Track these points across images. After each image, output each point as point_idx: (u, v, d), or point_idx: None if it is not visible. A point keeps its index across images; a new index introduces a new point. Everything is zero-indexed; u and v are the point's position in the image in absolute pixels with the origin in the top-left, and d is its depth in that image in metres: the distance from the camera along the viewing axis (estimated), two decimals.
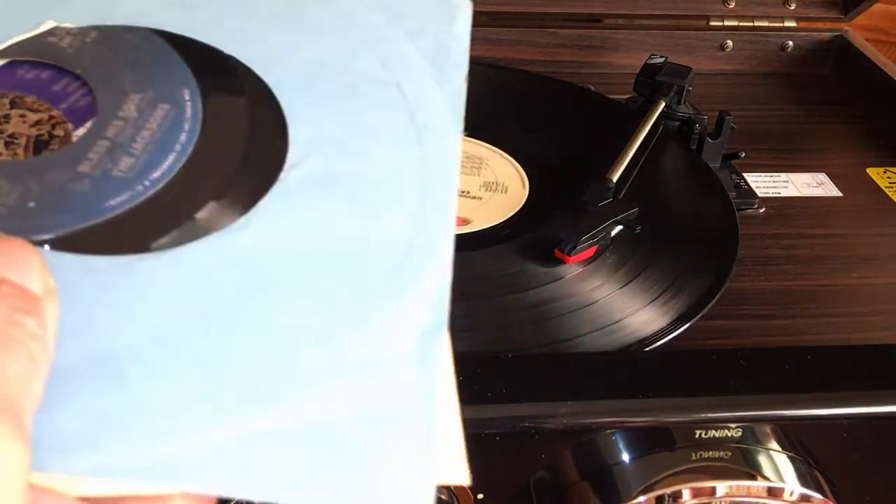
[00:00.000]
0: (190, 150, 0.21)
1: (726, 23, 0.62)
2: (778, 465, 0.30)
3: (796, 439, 0.31)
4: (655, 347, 0.34)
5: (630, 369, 0.31)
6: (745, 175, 0.49)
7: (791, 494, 0.30)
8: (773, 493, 0.30)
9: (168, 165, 0.21)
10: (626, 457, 0.30)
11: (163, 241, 0.19)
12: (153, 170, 0.21)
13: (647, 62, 0.50)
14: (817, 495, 0.30)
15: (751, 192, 0.47)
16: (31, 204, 0.20)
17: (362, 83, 0.23)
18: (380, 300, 0.19)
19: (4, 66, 0.23)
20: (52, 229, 0.19)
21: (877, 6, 0.61)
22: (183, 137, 0.22)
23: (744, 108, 0.55)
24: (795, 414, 0.30)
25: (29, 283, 0.16)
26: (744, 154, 0.48)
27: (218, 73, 0.23)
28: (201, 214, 0.20)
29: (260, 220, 0.20)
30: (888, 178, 0.50)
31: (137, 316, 0.18)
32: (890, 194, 0.49)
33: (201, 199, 0.20)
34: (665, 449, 0.31)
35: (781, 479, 0.30)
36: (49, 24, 0.23)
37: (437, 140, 0.22)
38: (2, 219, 0.20)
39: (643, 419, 0.30)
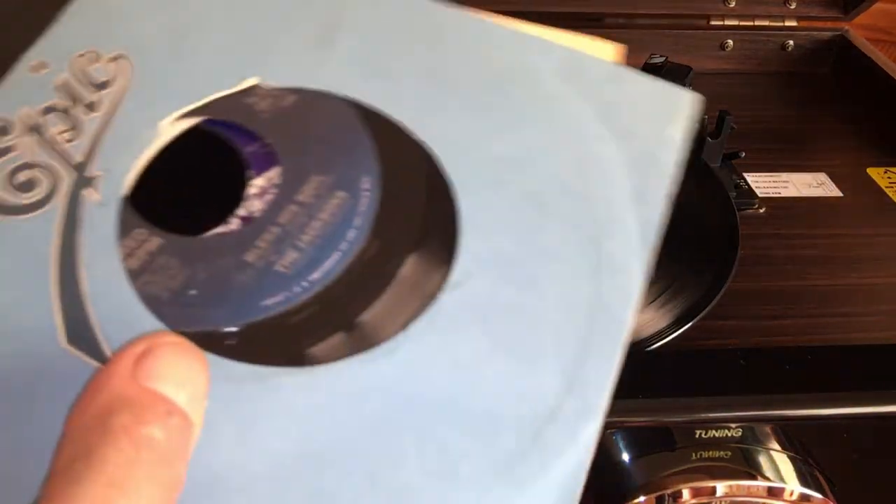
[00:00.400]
0: (355, 250, 0.20)
1: (727, 22, 0.62)
2: (778, 465, 0.30)
3: (796, 439, 0.31)
4: (656, 348, 0.34)
5: (630, 369, 0.31)
6: (745, 175, 0.49)
7: (791, 494, 0.30)
8: (773, 492, 0.30)
9: (329, 266, 0.19)
10: (626, 457, 0.30)
11: (303, 356, 0.18)
12: (314, 269, 0.19)
13: (648, 62, 0.50)
14: (817, 495, 0.30)
15: (751, 192, 0.47)
16: (193, 291, 0.19)
17: (549, 189, 0.20)
18: (509, 475, 0.17)
19: (202, 123, 0.22)
20: (207, 324, 0.18)
21: (877, 5, 0.61)
22: (351, 235, 0.20)
23: (744, 107, 0.55)
24: (795, 414, 0.30)
25: (193, 412, 0.15)
26: (744, 154, 0.48)
27: (402, 162, 0.21)
28: (349, 334, 0.18)
29: (406, 348, 0.18)
30: (888, 177, 0.50)
31: (260, 441, 0.17)
32: (890, 194, 0.49)
33: (352, 315, 0.19)
34: (665, 449, 0.31)
35: (781, 479, 0.30)
36: (252, 81, 0.22)
37: (616, 275, 0.19)
38: (162, 304, 0.19)
39: (643, 419, 0.30)
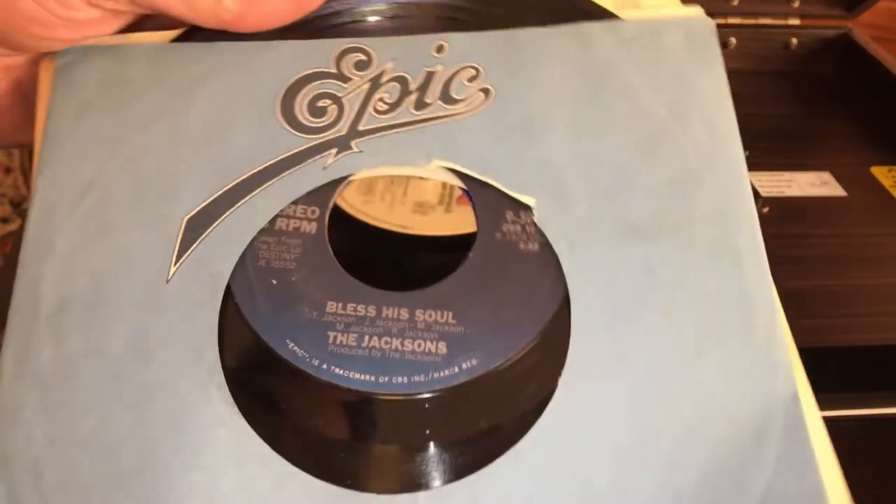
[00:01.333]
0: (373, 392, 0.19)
1: (729, 20, 0.61)
2: None
3: None
4: None
5: None
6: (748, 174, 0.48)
7: None
8: None
9: (340, 382, 0.19)
10: None
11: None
12: (334, 367, 0.19)
13: None
14: None
15: (754, 192, 0.47)
16: (273, 281, 0.20)
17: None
18: None
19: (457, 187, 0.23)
20: (245, 308, 0.19)
21: (881, 4, 0.60)
22: (398, 381, 0.19)
23: (747, 106, 0.55)
24: None
25: None
26: (747, 153, 0.48)
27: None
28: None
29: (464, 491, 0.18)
30: (893, 177, 0.50)
31: None
32: (894, 194, 0.49)
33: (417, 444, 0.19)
34: None
35: None
36: (529, 201, 0.22)
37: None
38: (252, 263, 0.20)
39: None
